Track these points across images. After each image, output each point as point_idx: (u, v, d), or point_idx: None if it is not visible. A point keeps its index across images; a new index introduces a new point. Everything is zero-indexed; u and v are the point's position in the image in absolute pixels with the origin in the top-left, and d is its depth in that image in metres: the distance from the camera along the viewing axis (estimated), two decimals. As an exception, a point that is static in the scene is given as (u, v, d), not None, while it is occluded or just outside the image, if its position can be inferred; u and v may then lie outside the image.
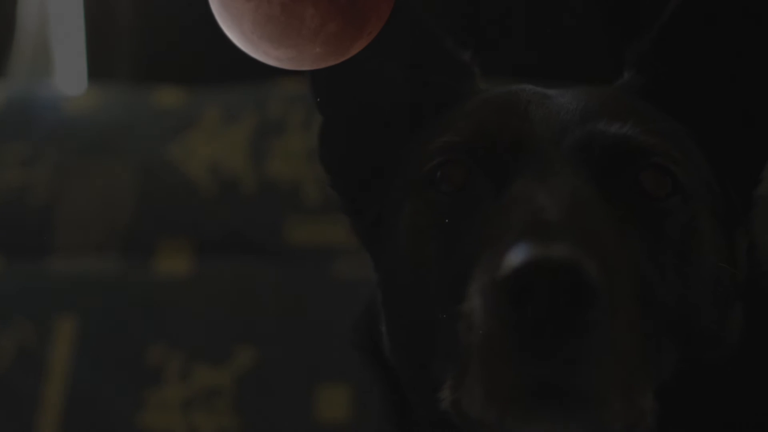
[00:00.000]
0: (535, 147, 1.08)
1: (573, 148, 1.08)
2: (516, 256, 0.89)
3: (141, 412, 2.12)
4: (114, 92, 2.55)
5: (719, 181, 1.17)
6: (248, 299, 2.23)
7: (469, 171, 1.10)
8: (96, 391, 2.14)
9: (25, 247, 2.30)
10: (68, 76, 2.96)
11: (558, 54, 2.62)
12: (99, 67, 2.84)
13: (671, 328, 1.05)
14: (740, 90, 1.22)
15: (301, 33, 0.97)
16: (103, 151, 2.37)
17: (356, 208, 1.29)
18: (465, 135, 1.12)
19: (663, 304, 1.04)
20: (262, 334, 2.19)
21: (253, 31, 0.99)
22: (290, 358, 2.16)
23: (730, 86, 1.22)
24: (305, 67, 1.03)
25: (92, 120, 2.43)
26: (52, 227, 2.30)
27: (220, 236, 2.29)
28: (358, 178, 1.28)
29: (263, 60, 1.02)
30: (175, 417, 2.13)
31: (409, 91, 1.26)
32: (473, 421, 0.98)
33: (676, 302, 1.05)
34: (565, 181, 1.03)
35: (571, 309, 0.88)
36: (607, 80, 1.28)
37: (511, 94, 1.20)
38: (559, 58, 2.60)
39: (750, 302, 1.16)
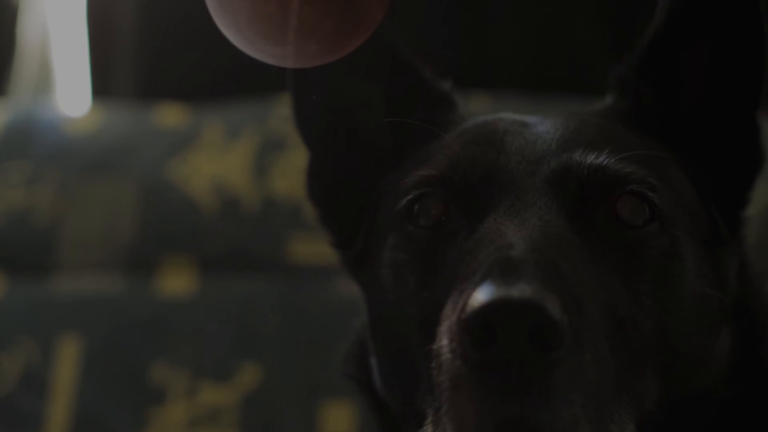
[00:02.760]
0: (509, 179, 1.08)
1: (548, 180, 1.07)
2: (479, 297, 0.90)
3: (145, 431, 2.12)
4: (116, 111, 2.56)
5: (705, 205, 1.16)
6: (251, 317, 2.22)
7: (445, 205, 1.10)
8: (100, 411, 2.14)
9: (28, 267, 2.30)
10: (70, 95, 2.96)
11: (562, 68, 2.62)
12: (101, 86, 2.85)
13: (652, 356, 1.04)
14: (723, 112, 1.21)
15: (297, 30, 0.97)
16: (105, 171, 2.37)
17: (343, 241, 1.29)
18: (440, 168, 1.12)
19: (641, 332, 1.03)
20: (266, 352, 2.18)
21: (249, 28, 0.99)
22: (293, 375, 2.16)
23: (712, 109, 1.22)
24: (301, 64, 1.03)
25: (94, 139, 2.44)
26: (54, 247, 2.30)
27: (223, 254, 2.29)
28: (344, 213, 1.29)
29: (259, 57, 1.02)
30: (180, 435, 2.13)
31: (391, 125, 1.27)
32: None
33: (656, 329, 1.04)
34: (536, 215, 1.02)
35: (534, 348, 0.89)
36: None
37: (488, 125, 1.19)
38: (563, 72, 2.60)
39: (740, 322, 1.15)
